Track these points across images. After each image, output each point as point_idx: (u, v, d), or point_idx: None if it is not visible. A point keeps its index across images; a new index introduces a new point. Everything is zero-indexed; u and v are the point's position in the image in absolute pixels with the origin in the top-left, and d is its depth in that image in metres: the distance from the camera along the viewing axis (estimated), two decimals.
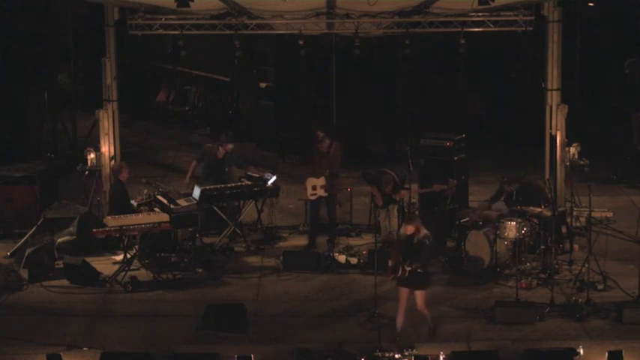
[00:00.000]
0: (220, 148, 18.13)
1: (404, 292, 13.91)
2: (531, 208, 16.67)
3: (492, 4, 17.14)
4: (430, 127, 19.43)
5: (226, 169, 18.43)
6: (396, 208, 17.28)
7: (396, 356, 13.49)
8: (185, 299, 15.64)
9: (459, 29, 17.93)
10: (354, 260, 16.94)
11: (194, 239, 16.93)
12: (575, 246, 17.13)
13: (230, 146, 18.18)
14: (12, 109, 22.24)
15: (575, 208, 17.68)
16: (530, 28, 17.98)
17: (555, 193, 17.98)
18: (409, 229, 13.91)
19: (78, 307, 15.37)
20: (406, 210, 17.94)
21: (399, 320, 13.93)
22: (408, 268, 13.73)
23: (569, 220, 17.41)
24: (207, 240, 17.75)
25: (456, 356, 13.22)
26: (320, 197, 17.55)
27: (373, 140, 24.31)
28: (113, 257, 17.16)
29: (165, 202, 16.84)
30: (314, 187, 17.51)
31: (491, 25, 18.05)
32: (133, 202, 17.19)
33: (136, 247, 16.78)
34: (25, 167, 19.01)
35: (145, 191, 17.56)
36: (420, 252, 13.83)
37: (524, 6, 17.84)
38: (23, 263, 16.35)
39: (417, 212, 18.16)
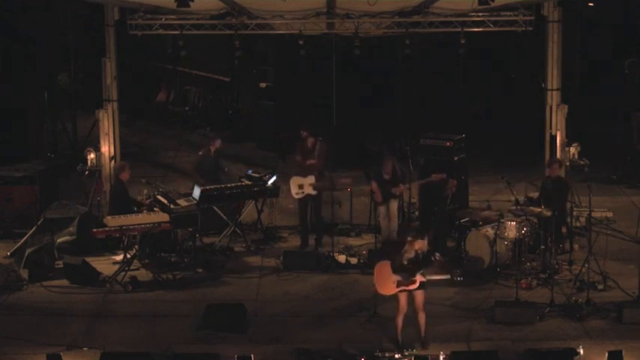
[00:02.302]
0: (211, 147, 18.15)
1: (403, 297, 13.88)
2: (531, 208, 16.68)
3: (492, 4, 17.15)
4: (430, 127, 19.42)
5: (226, 169, 18.49)
6: (396, 206, 17.24)
7: (396, 356, 13.49)
8: (185, 299, 15.64)
9: (459, 29, 17.94)
10: (354, 260, 16.94)
11: (194, 239, 16.93)
12: (575, 246, 17.13)
13: (219, 142, 18.19)
14: (12, 109, 22.24)
15: (575, 208, 17.68)
16: (530, 28, 17.99)
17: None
18: (420, 244, 13.84)
19: (78, 307, 15.37)
20: (406, 210, 17.95)
21: (400, 326, 13.90)
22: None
23: (569, 220, 17.39)
24: (207, 240, 17.75)
25: (456, 356, 13.22)
26: (307, 196, 17.52)
27: (373, 140, 24.30)
28: (113, 257, 17.16)
29: (165, 202, 16.84)
30: (300, 186, 17.48)
31: (491, 25, 18.05)
32: (138, 198, 17.22)
33: (136, 247, 16.77)
34: (25, 167, 19.01)
35: (145, 191, 17.56)
36: (430, 258, 13.94)
37: (524, 6, 17.85)
38: (23, 263, 16.35)
39: (416, 212, 18.17)
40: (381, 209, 17.33)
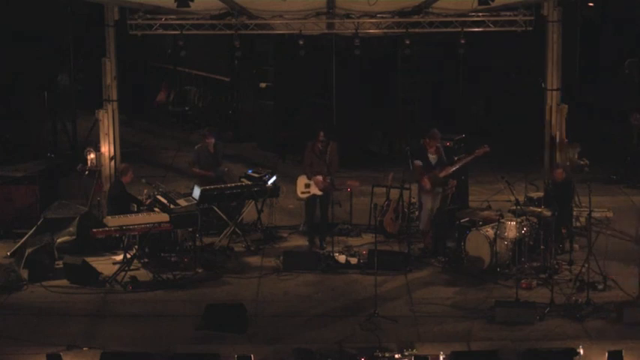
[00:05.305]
0: (208, 142, 18.19)
1: None
2: (531, 208, 16.69)
3: (492, 4, 17.17)
4: (431, 127, 19.39)
5: (226, 169, 18.49)
6: (439, 197, 16.96)
7: (396, 356, 13.47)
8: (185, 299, 15.63)
9: (459, 29, 17.96)
10: (354, 260, 16.91)
11: (194, 239, 16.92)
12: (575, 246, 17.12)
13: (212, 139, 18.20)
14: (12, 109, 22.26)
15: (575, 208, 17.68)
16: (530, 28, 18.02)
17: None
18: None
19: (78, 307, 15.36)
20: (405, 210, 17.94)
21: None
22: None
23: None
24: (207, 240, 17.73)
25: (456, 356, 13.21)
26: (314, 196, 17.47)
27: (373, 140, 24.32)
28: (113, 257, 17.16)
29: (165, 202, 16.83)
30: (307, 186, 17.41)
31: (491, 25, 18.08)
32: (141, 198, 17.25)
33: (136, 247, 16.77)
34: (25, 167, 19.01)
35: (145, 191, 17.57)
36: None
37: (524, 6, 17.87)
38: (23, 263, 16.34)
39: (416, 212, 18.13)
40: (428, 204, 17.06)
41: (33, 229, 17.17)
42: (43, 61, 22.52)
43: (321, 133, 17.26)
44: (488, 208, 18.70)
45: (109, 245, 17.43)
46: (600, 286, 15.54)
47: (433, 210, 17.07)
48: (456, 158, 17.42)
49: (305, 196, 17.42)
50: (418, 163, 16.96)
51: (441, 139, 17.23)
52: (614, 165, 21.41)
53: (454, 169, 17.08)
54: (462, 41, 17.96)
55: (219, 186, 17.68)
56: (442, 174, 16.94)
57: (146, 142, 25.60)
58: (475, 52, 20.38)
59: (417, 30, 18.13)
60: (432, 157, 17.01)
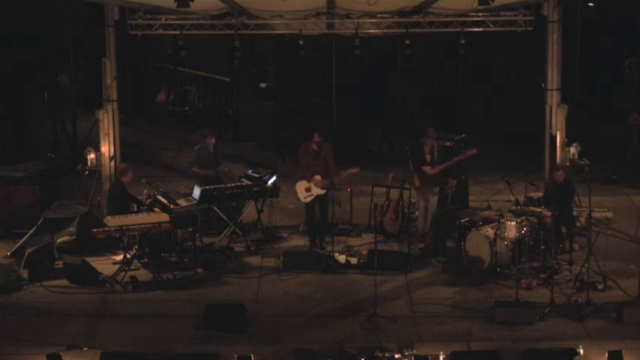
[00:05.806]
0: (208, 143, 18.18)
1: None
2: (531, 208, 16.69)
3: (492, 4, 17.17)
4: (430, 127, 19.39)
5: (226, 169, 18.48)
6: (436, 198, 16.99)
7: (396, 356, 13.47)
8: (185, 299, 15.63)
9: (459, 29, 17.97)
10: (354, 260, 16.91)
11: (194, 239, 16.92)
12: (575, 246, 17.12)
13: (212, 139, 18.20)
14: (12, 109, 22.25)
15: (575, 208, 17.68)
16: (530, 28, 18.03)
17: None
18: None
19: (78, 307, 15.36)
20: (405, 210, 17.94)
21: None
22: None
23: None
24: (207, 240, 17.73)
25: (456, 356, 13.21)
26: (316, 197, 17.42)
27: (373, 140, 24.32)
28: (113, 257, 17.16)
29: (165, 202, 16.83)
30: (308, 189, 17.34)
31: (491, 25, 18.08)
32: (141, 198, 17.25)
33: (136, 247, 16.77)
34: (25, 167, 19.01)
35: (145, 191, 17.57)
36: None
37: (524, 6, 17.87)
38: (23, 263, 16.34)
39: (416, 212, 18.15)
40: (421, 202, 17.19)
41: (33, 229, 17.17)
42: (43, 61, 22.51)
43: (316, 135, 17.22)
44: (488, 208, 18.70)
45: (109, 245, 17.43)
46: (600, 286, 15.55)
47: (427, 209, 17.10)
48: (456, 158, 17.44)
49: (309, 199, 17.33)
50: (415, 163, 17.06)
51: (435, 138, 17.24)
52: (614, 165, 21.43)
53: (442, 167, 17.09)
54: (462, 41, 17.97)
55: (219, 186, 17.68)
56: (431, 172, 16.97)
57: (146, 142, 25.61)
58: (475, 52, 20.37)
59: (417, 30, 18.13)
60: (428, 157, 17.04)
